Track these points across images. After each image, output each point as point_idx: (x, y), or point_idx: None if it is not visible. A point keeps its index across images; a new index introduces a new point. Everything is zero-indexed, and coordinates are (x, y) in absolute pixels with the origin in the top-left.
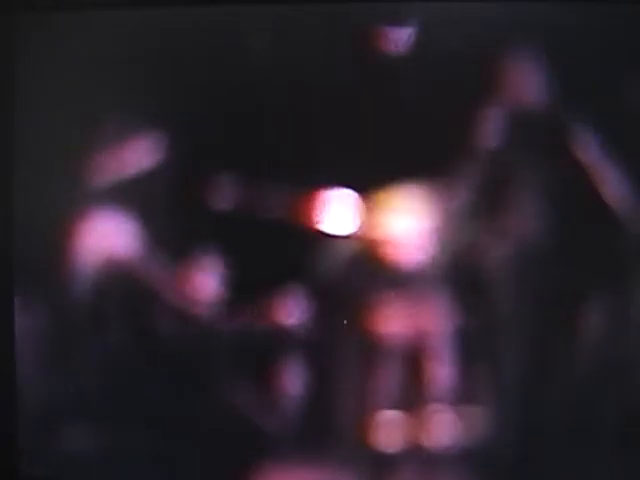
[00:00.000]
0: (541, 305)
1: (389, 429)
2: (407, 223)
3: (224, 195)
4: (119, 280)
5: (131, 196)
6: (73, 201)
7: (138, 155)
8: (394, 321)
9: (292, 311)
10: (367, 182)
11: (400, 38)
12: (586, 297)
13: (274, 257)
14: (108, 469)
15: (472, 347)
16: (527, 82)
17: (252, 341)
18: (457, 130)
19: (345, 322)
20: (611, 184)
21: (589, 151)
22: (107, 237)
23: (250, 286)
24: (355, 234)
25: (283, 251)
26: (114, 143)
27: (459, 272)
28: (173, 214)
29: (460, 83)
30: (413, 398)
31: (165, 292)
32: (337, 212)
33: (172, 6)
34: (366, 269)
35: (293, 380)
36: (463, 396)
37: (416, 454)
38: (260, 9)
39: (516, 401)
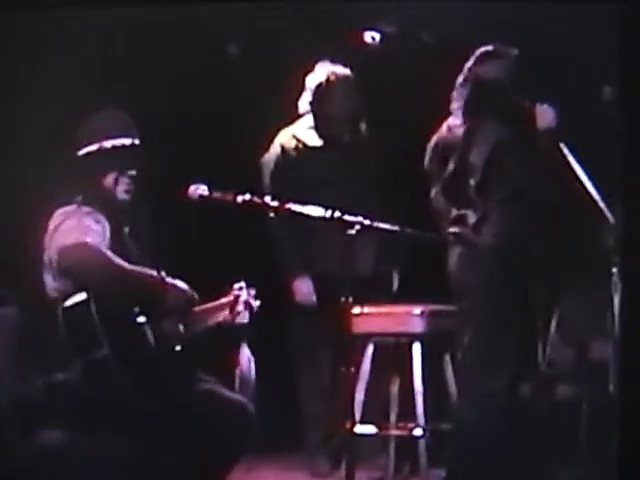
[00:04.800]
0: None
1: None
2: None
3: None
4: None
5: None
6: (47, 199)
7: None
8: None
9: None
10: None
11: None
12: (557, 296)
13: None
14: (82, 467)
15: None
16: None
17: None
18: (428, 132)
19: None
20: (580, 180)
21: (558, 146)
22: (77, 234)
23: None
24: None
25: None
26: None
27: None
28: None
29: (432, 80)
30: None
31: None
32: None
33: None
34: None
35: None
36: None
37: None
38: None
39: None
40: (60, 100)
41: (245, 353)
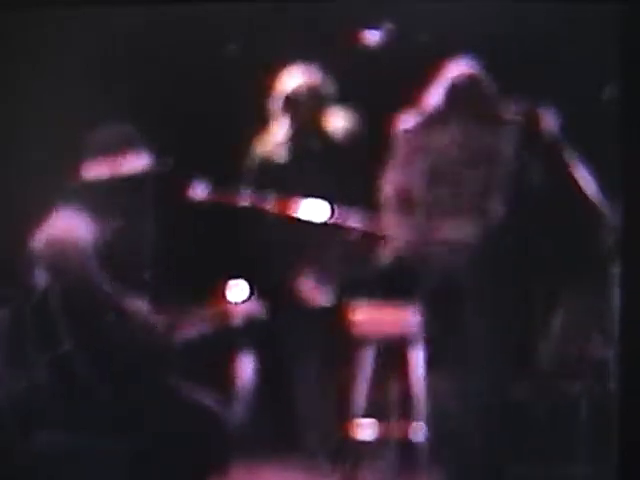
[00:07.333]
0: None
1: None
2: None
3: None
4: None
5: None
6: (40, 199)
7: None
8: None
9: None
10: None
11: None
12: (555, 293)
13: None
14: (76, 469)
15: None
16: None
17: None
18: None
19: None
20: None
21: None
22: (68, 234)
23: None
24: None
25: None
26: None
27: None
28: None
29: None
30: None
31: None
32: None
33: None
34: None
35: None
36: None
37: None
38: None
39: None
40: (60, 100)
41: (246, 363)
